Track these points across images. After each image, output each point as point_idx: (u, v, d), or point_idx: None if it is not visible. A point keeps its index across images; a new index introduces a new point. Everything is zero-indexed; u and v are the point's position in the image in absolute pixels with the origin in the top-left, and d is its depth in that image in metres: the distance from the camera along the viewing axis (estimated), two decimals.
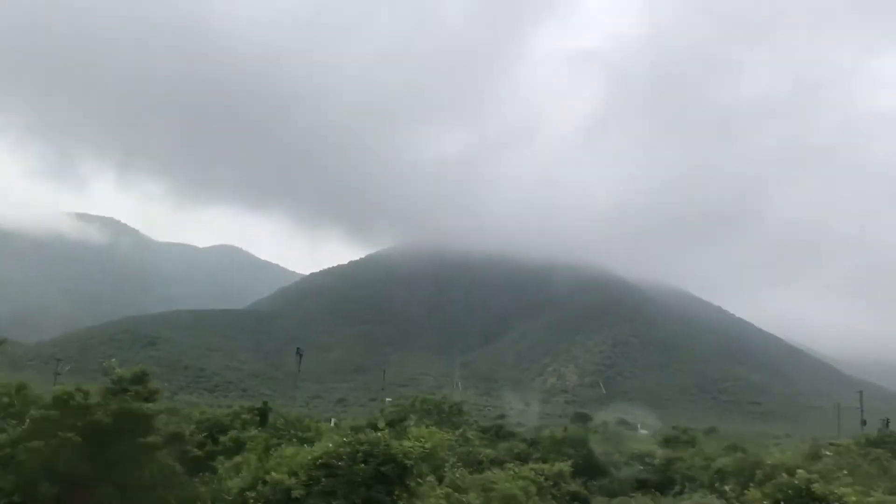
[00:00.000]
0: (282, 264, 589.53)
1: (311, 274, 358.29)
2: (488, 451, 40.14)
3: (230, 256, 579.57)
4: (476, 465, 30.68)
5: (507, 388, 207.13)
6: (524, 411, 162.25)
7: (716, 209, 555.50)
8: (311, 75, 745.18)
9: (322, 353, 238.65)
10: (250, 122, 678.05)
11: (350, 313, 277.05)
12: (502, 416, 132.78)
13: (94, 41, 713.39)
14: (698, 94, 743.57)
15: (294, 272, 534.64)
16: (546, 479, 27.87)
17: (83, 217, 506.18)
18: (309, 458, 21.72)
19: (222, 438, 35.07)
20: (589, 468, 43.31)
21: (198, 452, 30.05)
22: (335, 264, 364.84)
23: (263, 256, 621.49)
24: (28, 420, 22.55)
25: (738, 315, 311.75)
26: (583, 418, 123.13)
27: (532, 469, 28.04)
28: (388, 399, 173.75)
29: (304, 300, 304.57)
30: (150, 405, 24.26)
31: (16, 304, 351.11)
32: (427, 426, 27.01)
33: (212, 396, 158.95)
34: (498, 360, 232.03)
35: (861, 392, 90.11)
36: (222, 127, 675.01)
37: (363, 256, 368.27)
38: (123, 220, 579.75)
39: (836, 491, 19.76)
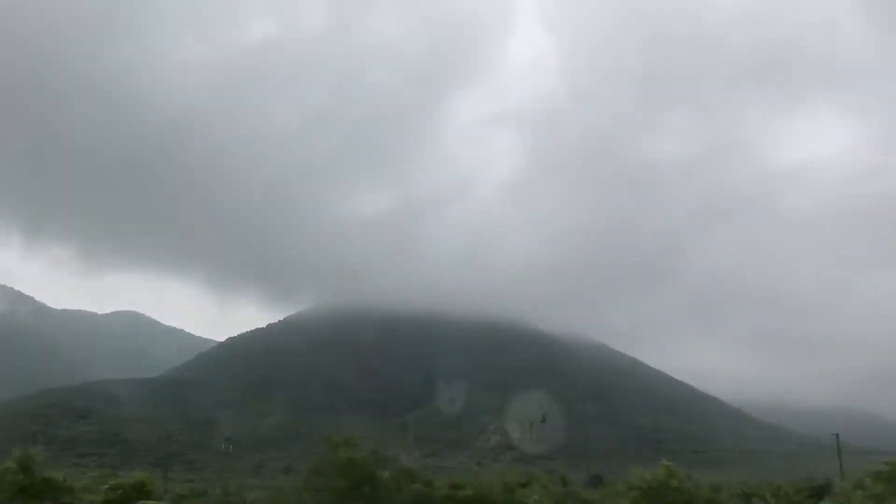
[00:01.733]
0: (187, 329, 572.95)
1: (229, 339, 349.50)
2: None
3: (132, 323, 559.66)
4: None
5: (450, 448, 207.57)
6: (478, 472, 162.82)
7: (635, 263, 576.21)
8: (233, 137, 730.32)
9: (256, 421, 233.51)
10: (168, 185, 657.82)
11: (278, 378, 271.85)
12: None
13: (1, 102, 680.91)
14: (619, 152, 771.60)
15: (200, 337, 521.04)
16: None
17: None
18: None
19: None
20: None
21: None
22: (250, 328, 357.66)
23: (167, 322, 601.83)
24: None
25: (652, 366, 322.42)
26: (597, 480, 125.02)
27: None
28: None
29: (227, 366, 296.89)
30: None
31: None
32: None
33: (160, 471, 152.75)
34: (435, 420, 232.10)
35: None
36: (138, 191, 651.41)
37: (281, 319, 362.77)
38: (18, 288, 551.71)
39: None
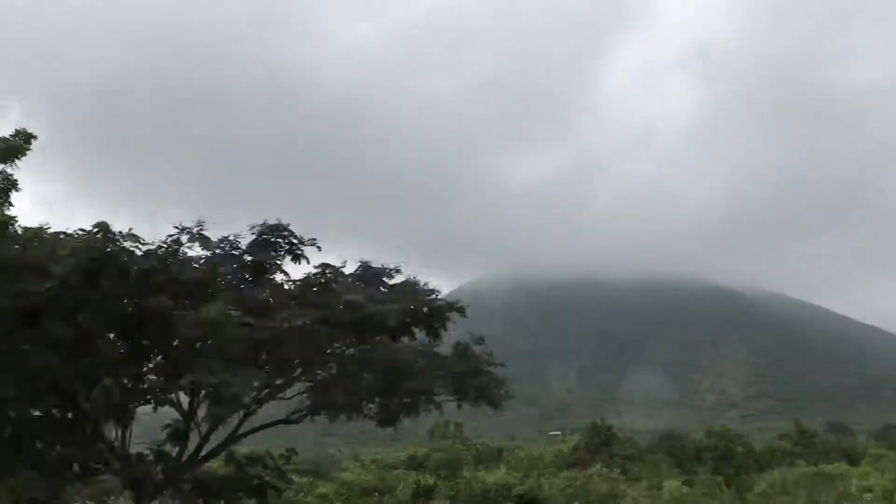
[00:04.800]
0: None
1: None
2: None
3: None
4: None
5: (665, 409, 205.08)
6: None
7: (819, 203, 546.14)
8: (392, 117, 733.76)
9: None
10: (335, 167, 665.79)
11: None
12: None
13: (183, 100, 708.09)
14: (803, 84, 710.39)
15: None
16: None
17: None
18: None
19: None
20: None
21: None
22: None
23: None
24: None
25: (840, 313, 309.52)
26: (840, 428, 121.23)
27: None
28: (553, 433, 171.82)
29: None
30: None
31: None
32: None
33: None
34: (639, 383, 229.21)
35: None
36: (307, 175, 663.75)
37: (454, 289, 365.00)
38: None
39: None
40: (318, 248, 18.72)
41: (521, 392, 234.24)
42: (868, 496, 34.78)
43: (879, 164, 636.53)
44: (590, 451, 71.39)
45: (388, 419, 19.08)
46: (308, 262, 18.83)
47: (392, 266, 19.43)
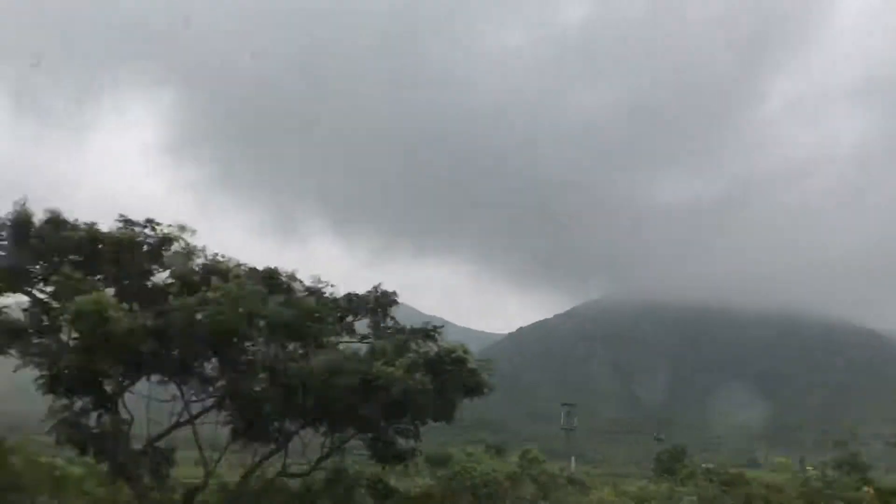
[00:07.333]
0: (446, 318, 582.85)
1: (520, 329, 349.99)
2: None
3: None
4: None
5: (813, 449, 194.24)
6: None
7: None
8: (536, 128, 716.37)
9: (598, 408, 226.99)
10: (475, 177, 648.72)
11: (602, 369, 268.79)
12: None
13: (327, 100, 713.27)
14: None
15: (457, 325, 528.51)
16: None
17: None
18: None
19: None
20: None
21: None
22: (535, 319, 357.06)
23: (428, 311, 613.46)
24: None
25: None
26: None
27: None
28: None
29: (525, 353, 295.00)
30: None
31: None
32: None
33: None
34: (783, 422, 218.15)
35: None
36: (443, 184, 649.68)
37: (567, 309, 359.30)
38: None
39: None
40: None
41: (652, 421, 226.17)
42: None
43: None
44: None
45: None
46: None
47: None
